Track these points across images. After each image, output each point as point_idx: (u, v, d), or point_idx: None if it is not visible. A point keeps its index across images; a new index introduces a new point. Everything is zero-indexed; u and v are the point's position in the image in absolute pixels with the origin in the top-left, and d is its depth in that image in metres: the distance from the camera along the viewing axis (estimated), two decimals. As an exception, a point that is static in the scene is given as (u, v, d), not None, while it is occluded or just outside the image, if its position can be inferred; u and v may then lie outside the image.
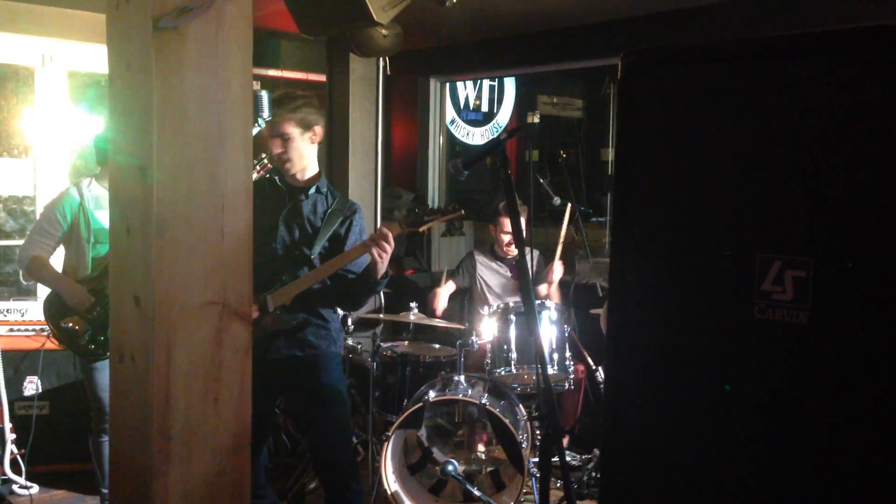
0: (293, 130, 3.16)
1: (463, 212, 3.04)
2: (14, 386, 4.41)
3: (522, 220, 4.72)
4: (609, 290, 1.30)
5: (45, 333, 3.79)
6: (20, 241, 5.12)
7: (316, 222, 3.21)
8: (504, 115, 7.84)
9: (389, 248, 2.96)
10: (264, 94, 3.10)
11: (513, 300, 4.41)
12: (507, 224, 4.74)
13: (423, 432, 4.17)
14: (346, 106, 5.90)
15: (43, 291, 3.94)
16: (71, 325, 3.67)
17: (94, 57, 5.13)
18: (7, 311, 4.56)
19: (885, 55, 1.06)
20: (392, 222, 3.08)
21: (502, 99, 7.81)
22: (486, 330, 4.19)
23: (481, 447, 4.14)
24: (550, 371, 4.02)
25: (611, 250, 1.27)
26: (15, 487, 4.26)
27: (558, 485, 4.31)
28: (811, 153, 1.10)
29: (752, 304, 1.12)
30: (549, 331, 4.08)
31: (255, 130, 2.97)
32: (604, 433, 1.30)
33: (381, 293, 5.14)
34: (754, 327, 1.12)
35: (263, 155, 3.30)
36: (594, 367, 4.48)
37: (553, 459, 2.13)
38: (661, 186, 1.18)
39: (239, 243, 2.28)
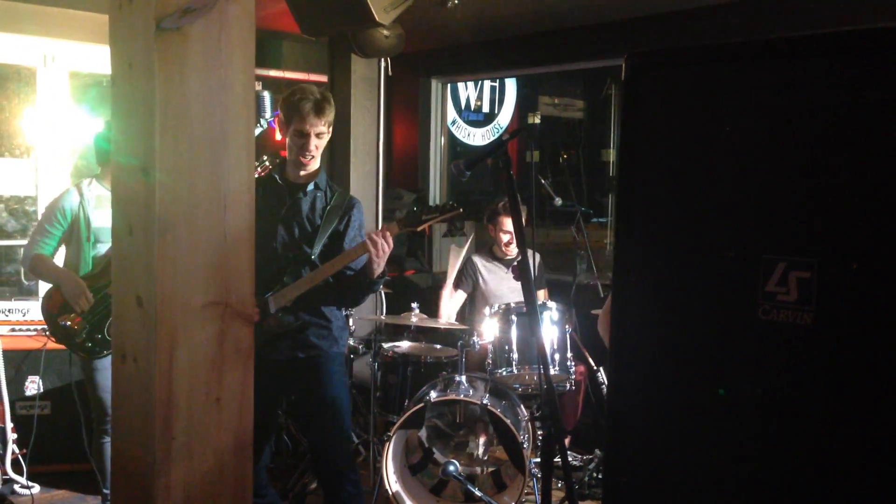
0: (328, 129, 3.20)
1: (462, 210, 3.03)
2: (15, 386, 4.41)
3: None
4: (612, 291, 1.30)
5: (47, 333, 3.79)
6: (22, 241, 5.12)
7: (315, 220, 3.20)
8: (505, 116, 7.84)
9: (387, 248, 2.95)
10: (266, 95, 3.11)
11: (514, 301, 4.41)
12: (505, 223, 4.74)
13: (424, 433, 4.17)
14: (347, 107, 5.91)
15: (44, 291, 3.94)
16: (68, 322, 3.68)
17: (96, 57, 5.13)
18: (9, 310, 4.57)
19: (886, 57, 1.06)
20: (391, 222, 3.08)
21: (503, 100, 7.80)
22: (488, 330, 4.19)
23: (482, 447, 4.14)
24: (552, 371, 4.02)
25: (614, 251, 1.27)
26: (16, 487, 4.26)
27: (559, 485, 4.31)
28: (814, 154, 1.10)
29: (756, 305, 1.12)
30: (550, 331, 4.08)
31: (258, 131, 2.98)
32: (607, 434, 1.30)
33: (383, 294, 5.15)
34: (758, 328, 1.12)
35: (265, 157, 3.30)
36: (595, 368, 4.48)
37: (555, 460, 2.13)
38: (665, 188, 1.19)
39: (241, 244, 2.28)
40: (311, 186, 3.24)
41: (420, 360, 4.37)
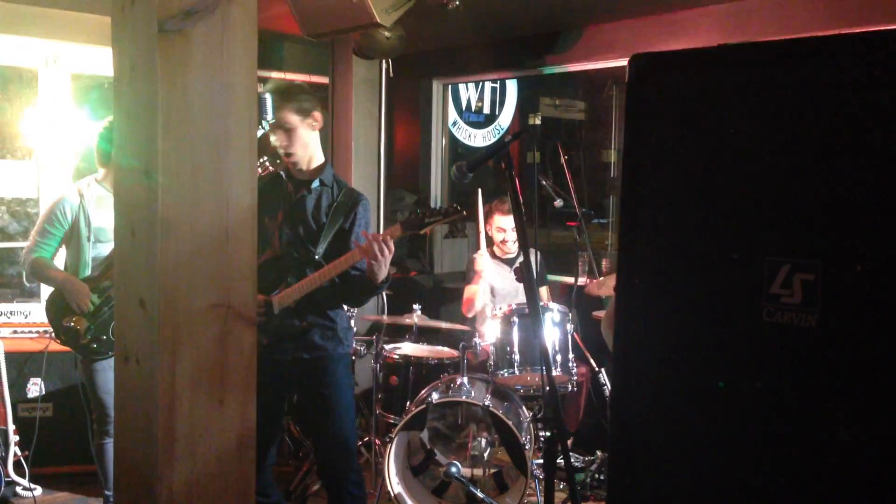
0: (293, 118, 3.13)
1: (465, 213, 3.01)
2: (18, 388, 4.41)
3: (509, 220, 4.73)
4: (616, 294, 1.30)
5: (49, 335, 3.80)
6: (24, 243, 5.13)
7: (321, 218, 3.17)
8: (506, 117, 7.84)
9: (388, 252, 2.92)
10: (268, 97, 3.10)
11: (516, 302, 4.41)
12: (499, 221, 4.75)
13: (425, 434, 4.17)
14: (348, 108, 5.91)
15: (46, 293, 3.95)
16: (72, 323, 3.68)
17: (98, 59, 5.13)
18: (11, 312, 4.58)
19: (892, 59, 1.06)
20: (393, 224, 3.06)
21: (504, 101, 7.81)
22: (489, 332, 4.19)
23: (484, 449, 4.14)
24: (555, 373, 4.02)
25: (618, 254, 1.27)
26: (18, 489, 4.26)
27: (561, 486, 4.31)
28: (819, 156, 1.10)
29: (760, 307, 1.12)
30: (552, 333, 4.08)
31: (259, 133, 2.98)
32: (611, 436, 1.30)
33: (384, 295, 5.15)
34: (763, 331, 1.12)
35: (265, 158, 3.29)
36: (597, 369, 4.48)
37: (557, 461, 2.13)
38: (669, 190, 1.18)
39: (243, 246, 2.28)
40: (315, 183, 3.21)
41: (422, 362, 4.37)
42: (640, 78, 1.16)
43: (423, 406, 3.82)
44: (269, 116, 3.12)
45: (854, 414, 1.10)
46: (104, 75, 5.41)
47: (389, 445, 3.83)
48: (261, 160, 3.24)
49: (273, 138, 3.16)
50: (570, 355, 4.15)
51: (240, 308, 2.27)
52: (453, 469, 3.82)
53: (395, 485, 3.85)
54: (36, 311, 4.49)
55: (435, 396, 3.84)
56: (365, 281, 3.07)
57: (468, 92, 7.33)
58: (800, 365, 1.11)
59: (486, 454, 4.11)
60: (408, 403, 4.19)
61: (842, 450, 1.12)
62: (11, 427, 4.25)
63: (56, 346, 3.88)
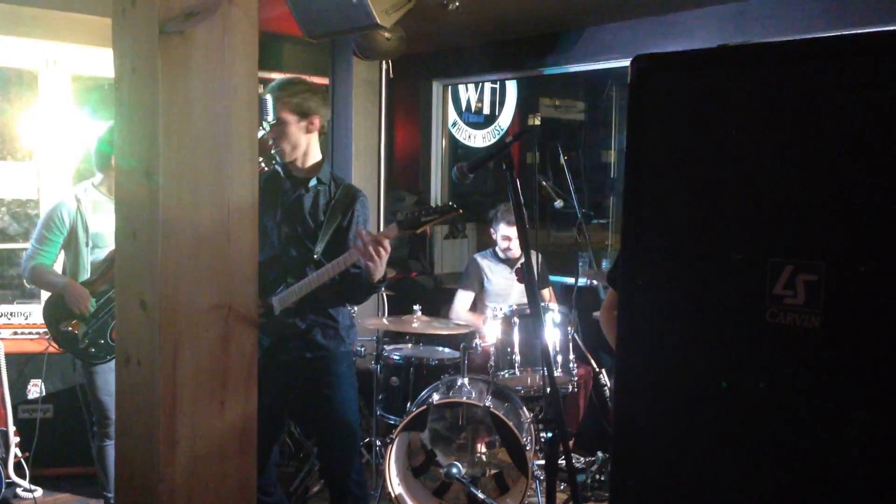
0: (288, 116, 3.10)
1: (461, 211, 2.99)
2: (18, 389, 4.41)
3: (514, 230, 4.74)
4: (620, 295, 1.30)
5: (49, 337, 3.80)
6: (24, 244, 5.12)
7: (319, 216, 3.15)
8: (505, 118, 7.84)
9: (384, 253, 2.89)
10: (269, 98, 3.10)
11: (517, 303, 4.42)
12: (505, 229, 4.76)
13: (426, 435, 4.17)
14: (349, 109, 5.90)
15: (46, 295, 3.94)
16: (70, 328, 3.68)
17: (98, 61, 5.13)
18: (11, 314, 4.57)
19: (894, 60, 1.05)
20: (390, 225, 3.04)
21: (504, 101, 7.81)
22: (490, 332, 4.19)
23: (485, 450, 4.14)
24: (555, 373, 4.02)
25: (621, 255, 1.27)
26: (19, 491, 4.26)
27: (562, 487, 4.31)
28: (822, 157, 1.10)
29: (763, 308, 1.11)
30: (552, 334, 4.08)
31: (260, 134, 2.97)
32: (613, 438, 1.30)
33: (385, 296, 5.15)
34: (766, 331, 1.11)
35: (261, 158, 3.28)
36: (597, 370, 4.48)
37: (558, 462, 2.13)
38: (672, 191, 1.18)
39: (244, 247, 2.28)
40: (313, 182, 3.19)
41: (422, 363, 4.37)
42: (642, 79, 1.16)
43: (424, 407, 3.82)
44: (270, 117, 3.12)
45: (857, 414, 1.10)
46: (104, 77, 5.40)
47: (390, 446, 3.83)
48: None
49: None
50: (571, 356, 4.15)
51: (241, 309, 2.27)
52: (454, 470, 3.82)
53: (395, 486, 3.85)
54: (36, 313, 4.48)
55: (435, 397, 3.84)
56: (364, 280, 3.04)
57: (468, 93, 7.33)
58: (803, 366, 1.11)
59: (486, 455, 4.11)
60: (408, 404, 4.19)
61: (845, 450, 1.12)
62: (12, 428, 4.25)
63: (58, 350, 3.88)
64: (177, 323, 2.15)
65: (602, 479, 4.32)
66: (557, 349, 4.06)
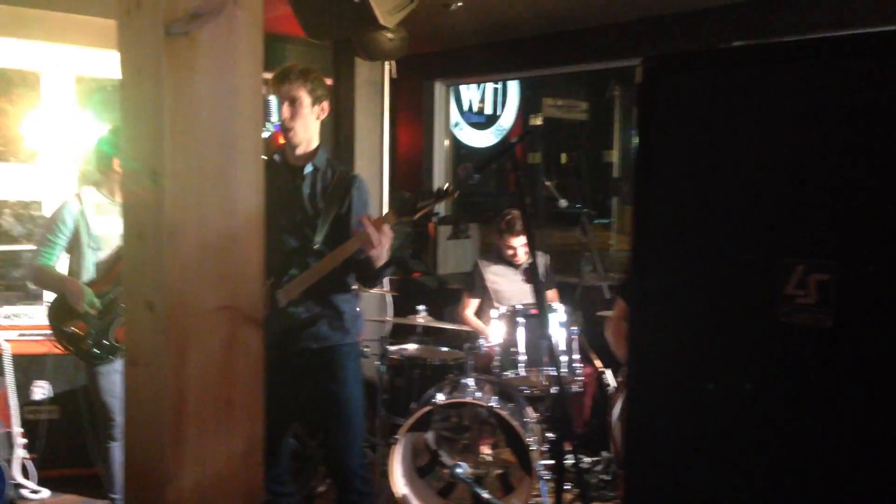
0: (305, 98, 3.11)
1: (455, 194, 2.96)
2: (24, 390, 4.42)
3: (519, 240, 4.74)
4: (631, 296, 1.30)
5: (54, 338, 3.81)
6: (27, 246, 5.13)
7: (319, 204, 3.13)
8: (508, 118, 7.85)
9: (384, 239, 2.87)
10: (272, 99, 3.11)
11: (522, 302, 4.42)
12: (510, 240, 4.76)
13: (430, 435, 4.17)
14: (351, 109, 5.92)
15: (51, 296, 3.95)
16: (74, 329, 3.69)
17: (102, 62, 5.14)
18: (16, 315, 4.58)
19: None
20: (387, 212, 3.00)
21: (506, 101, 7.82)
22: (494, 332, 4.19)
23: (489, 450, 4.14)
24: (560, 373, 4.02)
25: (631, 256, 1.27)
26: (25, 492, 4.27)
27: (566, 487, 4.30)
28: (834, 156, 1.10)
29: (775, 308, 1.11)
30: (556, 333, 4.08)
31: (264, 135, 2.97)
32: (625, 439, 1.30)
33: (390, 296, 5.15)
34: (778, 332, 1.11)
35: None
36: (602, 370, 4.48)
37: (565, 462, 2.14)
38: (682, 191, 1.18)
39: (250, 248, 2.29)
40: (308, 168, 3.17)
41: (426, 363, 4.37)
42: (651, 79, 1.16)
43: (429, 407, 3.82)
44: (274, 118, 3.13)
45: (871, 414, 1.10)
46: (107, 78, 5.41)
47: (395, 447, 3.83)
48: None
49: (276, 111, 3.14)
50: (576, 356, 4.15)
51: (247, 310, 2.28)
52: (459, 470, 3.81)
53: (401, 486, 3.85)
54: (41, 314, 4.49)
55: (440, 397, 3.84)
56: (368, 265, 3.01)
57: (470, 92, 7.34)
58: (815, 365, 1.11)
59: (491, 455, 4.11)
60: (412, 404, 4.19)
61: (857, 451, 1.11)
62: (18, 430, 4.25)
63: (62, 350, 3.88)
64: (183, 324, 2.15)
65: (607, 478, 4.32)
66: (562, 349, 4.06)
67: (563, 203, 4.90)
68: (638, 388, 1.27)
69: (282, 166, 3.19)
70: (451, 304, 5.27)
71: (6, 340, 4.46)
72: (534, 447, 3.77)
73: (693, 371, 1.21)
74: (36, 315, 4.56)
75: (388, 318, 4.65)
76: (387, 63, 5.82)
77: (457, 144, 7.05)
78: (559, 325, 4.10)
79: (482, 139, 7.55)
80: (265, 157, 3.27)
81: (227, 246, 2.24)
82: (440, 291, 5.89)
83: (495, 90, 7.73)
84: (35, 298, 4.87)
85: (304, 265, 3.04)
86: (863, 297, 1.09)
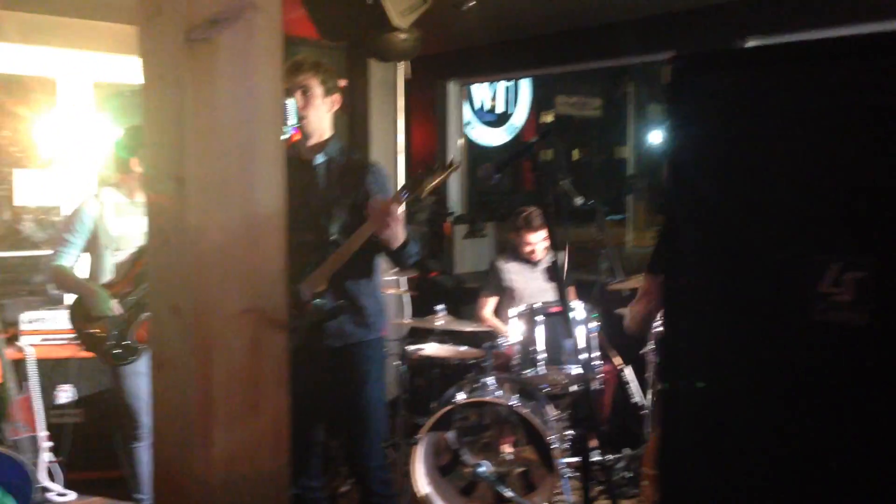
0: (317, 88, 3.12)
1: (457, 167, 2.94)
2: (48, 394, 4.46)
3: (537, 235, 4.73)
4: (663, 296, 1.30)
5: (77, 340, 3.84)
6: (48, 252, 5.18)
7: (332, 196, 3.11)
8: (520, 116, 7.85)
9: (393, 218, 2.84)
10: (290, 102, 3.12)
11: (541, 301, 4.42)
12: (528, 237, 4.75)
13: (451, 434, 4.18)
14: (366, 111, 5.93)
15: (71, 298, 3.99)
16: (95, 330, 3.72)
17: (118, 68, 5.18)
18: (39, 320, 4.62)
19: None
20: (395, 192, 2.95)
21: (518, 100, 7.82)
22: (513, 331, 4.19)
23: (510, 448, 4.14)
24: (579, 371, 4.02)
25: (664, 256, 1.27)
26: (51, 495, 4.30)
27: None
28: (868, 153, 1.10)
29: (810, 306, 1.11)
30: (576, 331, 4.07)
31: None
32: (661, 442, 1.29)
33: (408, 296, 5.15)
34: (813, 330, 1.11)
35: None
36: (621, 367, 4.48)
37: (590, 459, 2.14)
38: (714, 189, 1.18)
39: (273, 251, 2.30)
40: (319, 158, 3.16)
41: (446, 362, 4.38)
42: (680, 79, 1.16)
43: (450, 406, 3.83)
44: (292, 121, 3.14)
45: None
46: (124, 83, 5.45)
47: (417, 446, 3.84)
48: None
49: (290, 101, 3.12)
50: (595, 353, 4.15)
51: (270, 313, 2.29)
52: (482, 469, 3.83)
53: (423, 486, 3.87)
54: (63, 318, 4.53)
55: (460, 396, 3.85)
56: (387, 248, 3.00)
57: (482, 91, 7.34)
58: (852, 363, 1.11)
59: (512, 453, 4.12)
60: (433, 404, 4.20)
61: (893, 448, 1.11)
62: (44, 433, 4.29)
63: (84, 353, 3.91)
64: (208, 327, 2.17)
65: (629, 476, 4.32)
66: (582, 347, 4.05)
67: (578, 200, 4.88)
68: (672, 387, 1.26)
69: (295, 161, 3.19)
70: (468, 304, 5.28)
71: (30, 345, 4.51)
72: (555, 445, 3.77)
73: (727, 371, 1.20)
74: (58, 319, 4.60)
75: (407, 321, 4.66)
76: (400, 64, 5.83)
77: (470, 143, 7.06)
78: (577, 323, 4.09)
79: (495, 138, 7.55)
80: None
81: (249, 249, 2.25)
82: (457, 291, 5.89)
83: (507, 88, 7.73)
84: (57, 303, 4.91)
85: (323, 257, 3.02)
86: (900, 294, 1.08)
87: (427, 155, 6.51)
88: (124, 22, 4.70)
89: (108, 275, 3.83)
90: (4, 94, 5.24)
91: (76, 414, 4.51)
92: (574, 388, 4.15)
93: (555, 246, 2.14)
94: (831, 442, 1.12)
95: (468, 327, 4.47)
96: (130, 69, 5.17)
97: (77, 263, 3.90)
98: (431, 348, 4.50)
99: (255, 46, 2.27)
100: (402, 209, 2.89)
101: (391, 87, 6.03)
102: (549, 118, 9.96)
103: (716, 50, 1.09)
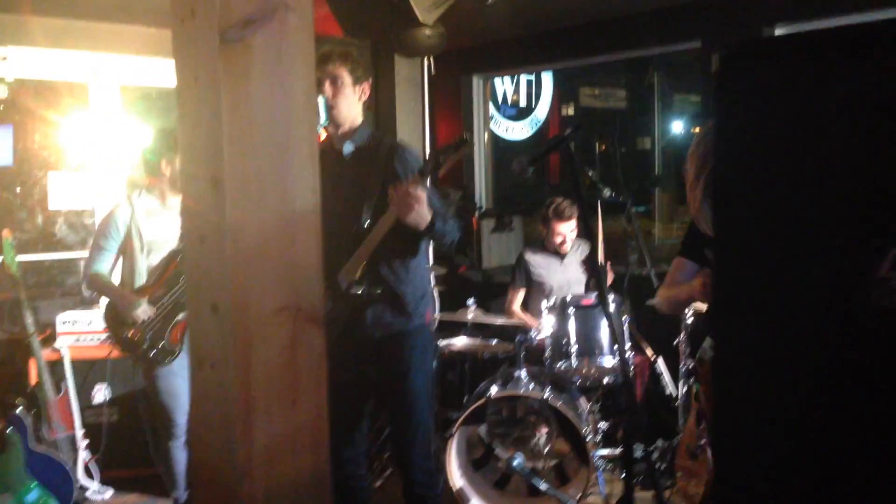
0: (346, 77, 3.10)
1: (471, 143, 2.89)
2: (83, 394, 4.53)
3: (567, 225, 4.73)
4: (713, 286, 1.28)
5: (112, 342, 3.89)
6: (81, 253, 5.24)
7: (363, 180, 3.08)
8: (542, 109, 7.83)
9: (418, 201, 2.78)
10: (320, 100, 3.13)
11: (571, 293, 4.41)
12: (558, 227, 4.74)
13: (483, 428, 4.19)
14: (392, 107, 5.95)
15: (105, 301, 4.04)
16: (130, 333, 3.76)
17: (144, 70, 5.23)
18: (74, 321, 4.68)
19: None
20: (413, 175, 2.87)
21: (540, 93, 7.80)
22: (545, 324, 4.19)
23: (544, 441, 4.14)
24: (613, 363, 4.02)
25: (714, 245, 1.25)
26: (89, 493, 4.37)
27: (622, 476, 4.29)
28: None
29: (868, 292, 1.09)
30: (607, 322, 4.07)
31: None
32: (714, 435, 1.28)
33: (436, 291, 5.17)
34: (872, 316, 1.09)
35: None
36: (653, 358, 4.47)
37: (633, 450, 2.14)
38: (764, 178, 1.16)
39: (309, 248, 2.31)
40: (347, 147, 3.15)
41: (477, 356, 4.38)
42: (728, 67, 1.15)
43: (483, 400, 3.84)
44: (322, 119, 3.15)
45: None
46: (151, 86, 5.51)
47: (451, 440, 3.85)
48: None
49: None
50: (627, 345, 4.14)
51: (308, 310, 2.30)
52: (516, 462, 3.83)
53: (457, 479, 3.88)
54: (97, 319, 4.59)
55: (494, 390, 3.86)
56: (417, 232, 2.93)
57: (504, 85, 7.33)
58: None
59: (545, 446, 4.12)
60: (465, 398, 4.21)
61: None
62: (80, 432, 4.36)
63: (118, 353, 3.96)
64: (247, 325, 2.18)
65: (662, 467, 4.31)
66: (613, 338, 4.05)
67: (606, 192, 4.86)
68: (725, 384, 1.24)
69: (327, 151, 3.18)
70: (497, 298, 5.28)
71: (65, 346, 4.57)
72: (589, 437, 3.77)
73: (784, 361, 1.18)
74: (92, 320, 4.66)
75: (436, 316, 4.67)
76: (425, 59, 5.84)
77: (494, 138, 7.05)
78: (612, 314, 4.08)
79: (517, 132, 7.54)
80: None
81: (286, 247, 2.26)
82: (486, 285, 5.90)
83: (529, 82, 7.72)
84: (90, 304, 4.98)
85: (356, 246, 3.01)
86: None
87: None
88: (154, 25, 4.75)
89: (141, 278, 3.86)
90: (37, 99, 5.32)
91: (111, 413, 4.56)
92: (607, 380, 4.14)
93: (590, 236, 2.14)
94: (889, 430, 1.10)
95: (498, 321, 4.48)
96: (156, 72, 5.22)
97: (113, 269, 3.94)
98: (461, 343, 4.51)
99: (288, 46, 2.28)
100: (422, 191, 2.80)
101: (416, 83, 6.05)
102: (569, 111, 9.92)
103: (766, 37, 1.08)
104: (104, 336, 4.46)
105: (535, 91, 7.79)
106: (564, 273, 4.82)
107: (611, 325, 2.16)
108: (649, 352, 4.52)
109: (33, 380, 4.30)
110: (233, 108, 2.20)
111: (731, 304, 1.21)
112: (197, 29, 2.27)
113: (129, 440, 4.54)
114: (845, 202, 1.10)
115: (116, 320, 3.81)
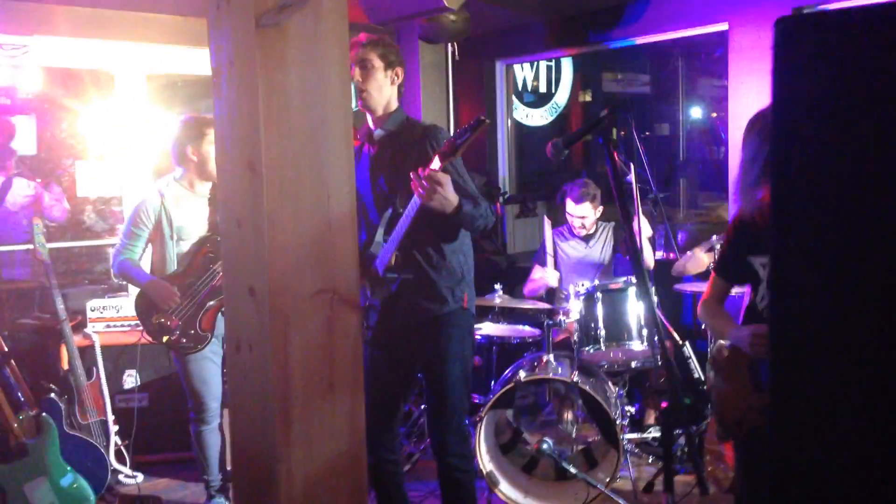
0: (376, 61, 3.08)
1: (488, 122, 2.86)
2: (114, 380, 4.58)
3: (581, 208, 4.71)
4: (773, 278, 1.26)
5: (141, 328, 3.92)
6: (109, 240, 5.29)
7: (396, 166, 3.05)
8: (562, 95, 7.79)
9: (440, 187, 2.74)
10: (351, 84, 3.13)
11: (593, 277, 4.40)
12: (578, 209, 4.74)
13: (511, 412, 4.20)
14: (416, 93, 5.94)
15: (134, 288, 4.08)
16: (161, 320, 3.79)
17: (169, 58, 5.25)
18: (103, 308, 4.73)
19: None
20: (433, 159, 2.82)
21: (559, 79, 7.75)
22: (573, 309, 4.19)
23: (572, 425, 4.16)
24: (640, 347, 4.01)
25: (772, 234, 1.23)
26: (121, 477, 4.43)
27: (650, 460, 4.31)
28: None
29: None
30: (636, 307, 4.06)
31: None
32: (773, 429, 1.25)
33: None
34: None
35: None
36: (681, 343, 4.45)
37: (647, 436, 2.14)
38: (825, 160, 1.15)
39: (344, 232, 2.33)
40: (378, 133, 3.14)
41: (505, 341, 4.39)
42: (786, 42, 1.13)
43: (512, 384, 3.85)
44: (353, 105, 3.15)
45: None
46: (176, 74, 5.53)
47: (480, 425, 3.87)
48: None
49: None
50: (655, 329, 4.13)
51: (344, 293, 2.32)
52: (545, 445, 3.84)
53: (486, 463, 3.90)
54: (127, 306, 4.64)
55: (522, 374, 3.87)
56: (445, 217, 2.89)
57: (523, 71, 7.29)
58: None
59: (574, 430, 4.13)
60: (493, 383, 4.23)
61: None
62: (111, 417, 4.41)
63: (148, 339, 4.00)
64: (284, 308, 2.21)
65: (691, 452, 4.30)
66: (642, 323, 4.05)
67: (631, 178, 4.84)
68: (785, 373, 1.22)
69: (366, 141, 3.20)
70: (522, 283, 5.28)
71: (95, 332, 4.63)
72: (618, 421, 3.78)
73: (846, 356, 1.16)
74: (122, 306, 4.71)
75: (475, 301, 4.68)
76: (449, 45, 5.83)
77: (518, 124, 7.03)
78: (637, 299, 4.08)
79: (537, 118, 7.51)
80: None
81: (322, 231, 2.28)
82: (511, 270, 5.90)
83: (549, 68, 7.68)
84: (119, 290, 5.03)
85: (390, 232, 3.00)
86: None
87: (476, 136, 6.50)
88: (180, 13, 4.76)
89: (172, 264, 3.90)
90: (63, 88, 5.35)
91: (142, 398, 4.62)
92: (635, 364, 4.14)
93: (626, 219, 2.13)
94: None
95: (525, 305, 4.48)
96: (182, 60, 5.24)
97: (142, 256, 3.97)
98: (488, 328, 4.52)
99: (322, 31, 2.29)
100: (443, 175, 2.76)
101: (440, 69, 6.04)
102: (587, 97, 9.85)
103: (825, 10, 1.06)
104: (134, 323, 4.51)
105: (554, 77, 7.75)
106: (587, 255, 4.83)
107: (650, 309, 2.15)
108: (676, 337, 4.50)
109: (65, 366, 4.35)
110: (269, 93, 2.22)
111: (792, 289, 1.18)
112: (232, 14, 2.29)
113: (159, 425, 4.59)
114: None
115: (148, 308, 3.84)
